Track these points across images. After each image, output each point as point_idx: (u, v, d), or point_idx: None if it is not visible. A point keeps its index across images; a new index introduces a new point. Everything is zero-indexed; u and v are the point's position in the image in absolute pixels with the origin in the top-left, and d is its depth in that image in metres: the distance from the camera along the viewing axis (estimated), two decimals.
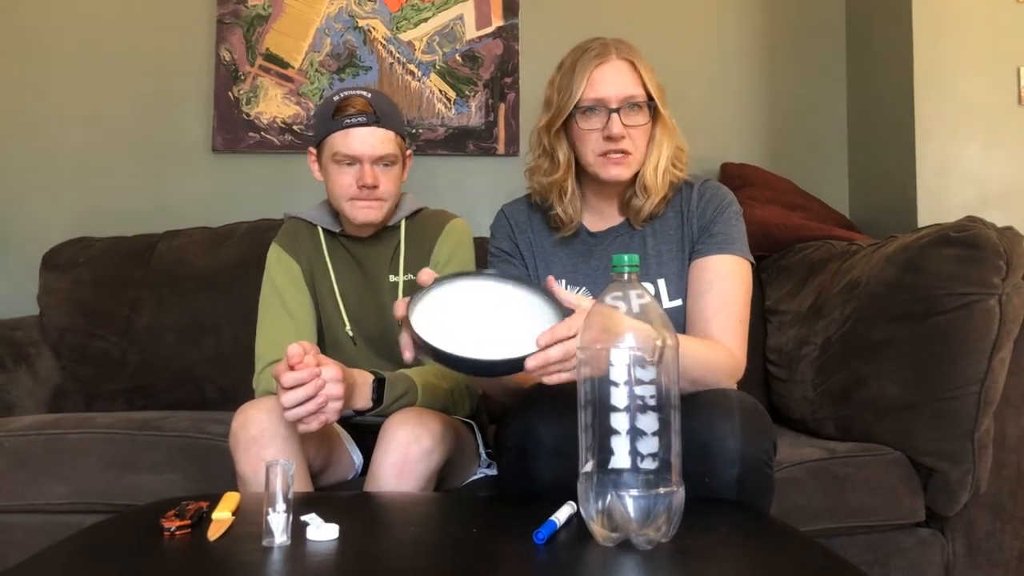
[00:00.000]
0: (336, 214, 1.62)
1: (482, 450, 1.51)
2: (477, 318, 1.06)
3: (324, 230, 1.61)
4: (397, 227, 1.60)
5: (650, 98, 1.34)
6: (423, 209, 1.65)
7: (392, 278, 1.58)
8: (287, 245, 1.61)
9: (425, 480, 1.28)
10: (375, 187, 1.49)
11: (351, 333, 1.56)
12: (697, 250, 1.37)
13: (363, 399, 1.31)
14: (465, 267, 1.57)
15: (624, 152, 1.33)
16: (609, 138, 1.32)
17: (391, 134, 1.51)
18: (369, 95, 1.51)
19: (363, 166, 1.49)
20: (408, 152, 1.60)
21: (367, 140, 1.48)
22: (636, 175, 1.38)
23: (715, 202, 1.39)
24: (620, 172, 1.35)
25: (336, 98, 1.51)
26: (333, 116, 1.49)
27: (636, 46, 1.38)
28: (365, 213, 1.51)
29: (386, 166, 1.51)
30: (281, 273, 1.58)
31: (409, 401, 1.37)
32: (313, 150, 1.57)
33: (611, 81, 1.32)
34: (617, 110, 1.32)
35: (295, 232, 1.62)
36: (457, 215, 1.66)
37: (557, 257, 1.44)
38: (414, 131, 2.42)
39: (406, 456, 1.26)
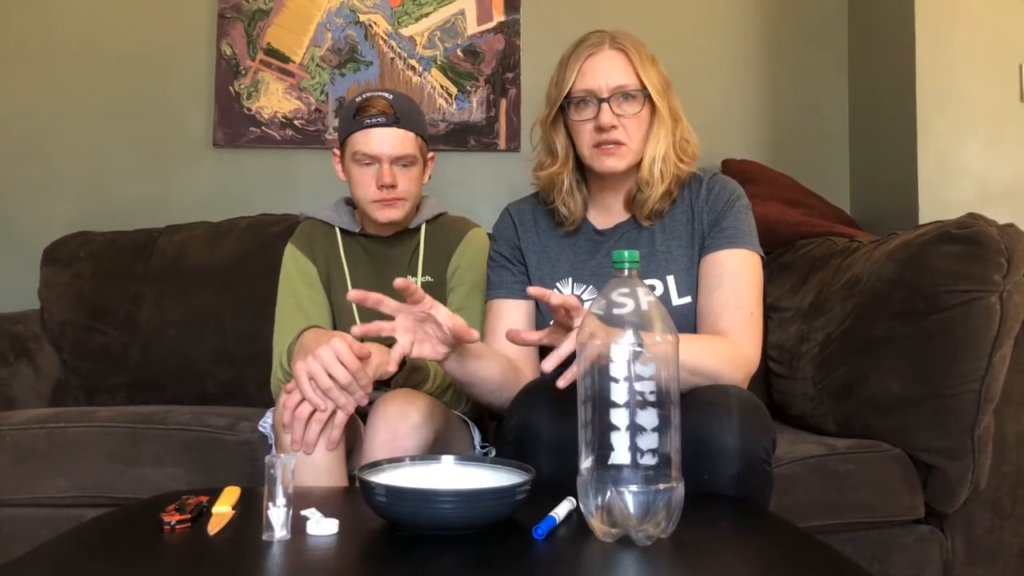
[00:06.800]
0: (354, 214, 1.66)
1: (477, 442, 1.52)
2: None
3: (342, 230, 1.63)
4: (417, 229, 1.64)
5: (645, 88, 1.32)
6: (444, 214, 1.69)
7: (410, 279, 1.59)
8: (303, 246, 1.63)
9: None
10: (393, 186, 1.52)
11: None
12: (707, 245, 1.36)
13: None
14: (480, 278, 1.58)
15: (616, 142, 1.32)
16: (600, 128, 1.31)
17: (411, 135, 1.54)
18: (391, 96, 1.55)
19: (382, 165, 1.52)
20: (430, 155, 1.63)
21: (386, 140, 1.52)
22: (637, 168, 1.37)
23: (724, 196, 1.38)
24: (614, 163, 1.34)
25: (358, 99, 1.55)
26: (354, 116, 1.53)
27: (638, 39, 1.36)
28: (387, 213, 1.55)
29: (405, 166, 1.55)
30: (297, 274, 1.61)
31: (422, 377, 1.40)
32: (337, 151, 1.61)
33: (601, 71, 1.31)
34: (607, 99, 1.31)
35: (311, 233, 1.65)
36: (478, 224, 1.69)
37: (564, 255, 1.43)
38: None
39: (395, 432, 1.27)
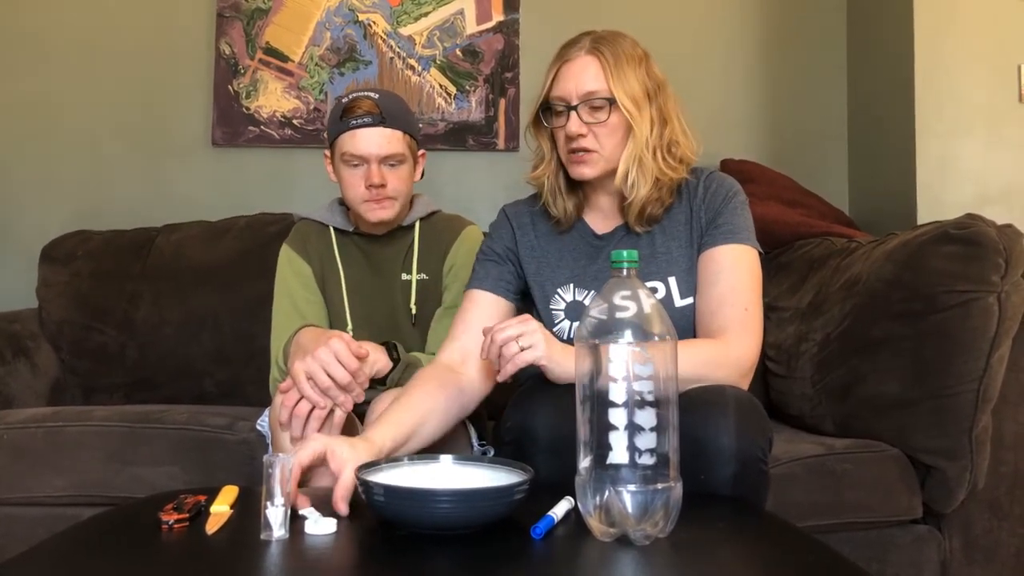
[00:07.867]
0: (347, 213, 1.66)
1: (475, 441, 1.52)
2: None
3: (336, 229, 1.63)
4: (411, 227, 1.64)
5: (613, 96, 1.28)
6: (438, 212, 1.69)
7: (405, 276, 1.61)
8: (298, 247, 1.63)
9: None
10: (382, 186, 1.52)
11: (352, 335, 1.56)
12: (704, 242, 1.34)
13: (382, 362, 1.37)
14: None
15: (585, 150, 1.31)
16: (568, 136, 1.31)
17: (398, 134, 1.54)
18: (376, 96, 1.54)
19: (370, 166, 1.53)
20: (421, 152, 1.63)
21: (373, 140, 1.52)
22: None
23: (721, 193, 1.36)
24: (584, 170, 1.32)
25: (345, 100, 1.55)
26: (341, 118, 1.53)
27: (630, 39, 1.34)
28: (377, 213, 1.55)
29: (393, 165, 1.55)
30: (292, 275, 1.61)
31: (414, 371, 1.39)
32: (327, 152, 1.61)
33: (572, 78, 1.30)
34: (576, 107, 1.30)
35: (306, 233, 1.65)
36: (472, 222, 1.69)
37: (564, 261, 1.41)
38: None
39: None
